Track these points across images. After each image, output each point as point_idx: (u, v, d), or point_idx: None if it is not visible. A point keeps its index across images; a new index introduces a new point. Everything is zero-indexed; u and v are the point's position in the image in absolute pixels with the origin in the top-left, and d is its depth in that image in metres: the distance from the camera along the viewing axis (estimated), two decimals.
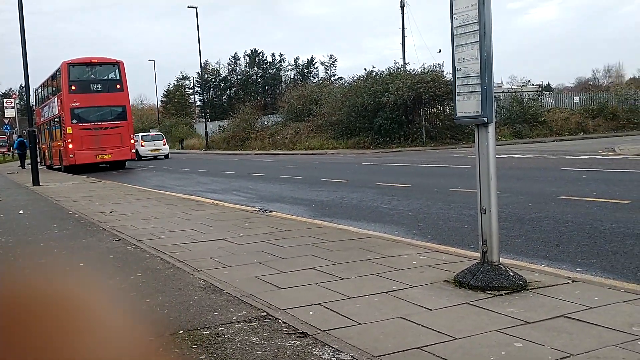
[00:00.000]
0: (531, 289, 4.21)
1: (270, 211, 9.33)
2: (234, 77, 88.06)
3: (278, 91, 78.27)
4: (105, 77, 27.07)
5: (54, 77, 28.41)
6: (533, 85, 38.56)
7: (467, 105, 4.32)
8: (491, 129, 4.28)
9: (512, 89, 37.07)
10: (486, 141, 4.28)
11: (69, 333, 0.55)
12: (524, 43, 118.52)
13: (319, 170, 18.37)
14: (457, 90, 4.41)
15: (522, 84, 37.37)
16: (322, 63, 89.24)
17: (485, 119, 4.21)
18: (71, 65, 26.16)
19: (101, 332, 0.56)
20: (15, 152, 36.67)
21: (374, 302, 4.09)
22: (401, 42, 38.52)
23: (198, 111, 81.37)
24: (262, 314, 3.96)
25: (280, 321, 3.78)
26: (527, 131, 30.99)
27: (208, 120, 54.20)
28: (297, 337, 3.48)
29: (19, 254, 6.63)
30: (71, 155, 25.51)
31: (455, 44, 4.38)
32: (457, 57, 4.38)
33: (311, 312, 3.92)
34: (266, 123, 43.19)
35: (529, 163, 16.09)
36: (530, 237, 6.51)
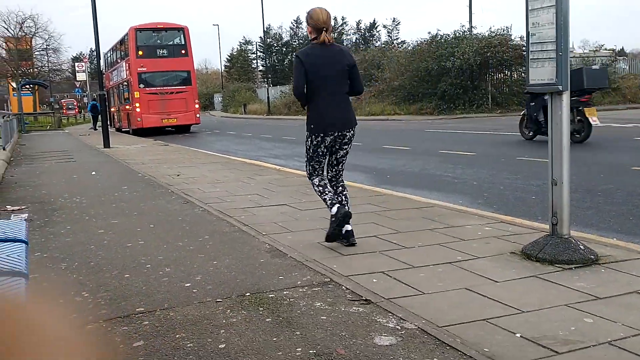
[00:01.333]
0: (602, 263, 4.07)
1: None
2: (296, 41, 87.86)
3: None
4: (171, 43, 27.58)
5: (122, 42, 29.17)
6: (606, 49, 36.62)
7: (540, 72, 4.15)
8: (565, 97, 4.11)
9: (584, 54, 35.37)
10: (560, 110, 4.12)
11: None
12: (596, 4, 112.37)
13: (380, 137, 18.23)
14: (530, 57, 4.24)
15: (594, 49, 35.58)
16: (385, 26, 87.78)
17: (560, 87, 4.03)
18: (138, 30, 26.74)
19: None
20: (89, 114, 38.12)
21: (438, 272, 4.06)
22: (468, 4, 37.28)
23: (260, 76, 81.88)
24: (325, 279, 4.01)
25: (343, 287, 3.82)
26: (599, 98, 29.58)
27: (270, 86, 54.49)
28: (361, 304, 3.51)
29: (92, 214, 6.93)
30: (139, 119, 26.29)
31: (529, 8, 4.19)
32: (531, 22, 4.19)
33: (374, 280, 3.93)
34: None
35: (600, 132, 15.42)
36: (601, 209, 6.28)
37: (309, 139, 4.88)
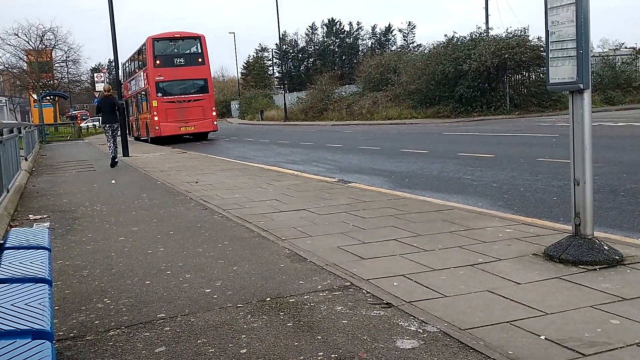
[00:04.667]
0: (628, 264, 4.00)
1: (350, 182, 9.34)
2: (311, 47, 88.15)
3: (355, 61, 77.71)
4: (188, 51, 27.82)
5: (139, 52, 29.48)
6: (627, 48, 36.14)
7: (561, 71, 4.10)
8: (587, 95, 4.05)
9: (604, 52, 34.96)
10: (581, 109, 4.06)
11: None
12: (616, 2, 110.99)
13: (397, 141, 18.17)
14: (550, 56, 4.19)
15: (614, 47, 35.14)
16: (400, 30, 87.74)
17: (581, 85, 3.98)
18: (155, 40, 27.03)
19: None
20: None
21: (460, 274, 4.02)
22: (484, 5, 37.08)
23: (276, 82, 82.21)
24: (346, 283, 3.99)
25: (364, 291, 3.79)
26: (620, 97, 29.24)
27: (286, 92, 54.67)
28: (382, 307, 3.48)
29: (113, 222, 6.99)
30: (157, 128, 26.51)
31: (548, 6, 4.14)
32: (550, 20, 4.14)
33: (395, 283, 3.90)
34: (343, 93, 43.02)
35: (622, 131, 15.21)
36: (625, 209, 6.18)
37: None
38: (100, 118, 17.27)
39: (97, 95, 45.93)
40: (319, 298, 3.72)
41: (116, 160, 15.24)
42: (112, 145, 15.33)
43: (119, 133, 16.26)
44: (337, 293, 3.80)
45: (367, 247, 4.94)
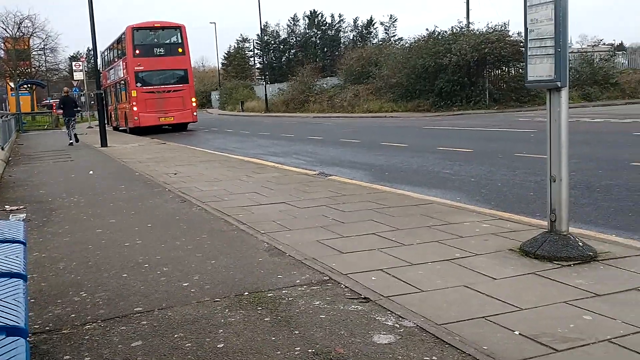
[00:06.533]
0: (601, 260, 4.07)
1: (330, 175, 9.36)
2: (293, 39, 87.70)
3: (337, 53, 77.51)
4: (168, 41, 27.54)
5: (119, 41, 29.10)
6: (605, 44, 36.63)
7: (539, 69, 4.14)
8: (564, 93, 4.10)
9: (582, 48, 35.40)
10: (558, 106, 4.10)
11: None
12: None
13: (378, 134, 18.23)
14: (529, 53, 4.22)
15: (593, 44, 35.68)
16: (382, 23, 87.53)
17: (559, 84, 4.02)
18: (135, 29, 26.70)
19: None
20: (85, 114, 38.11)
21: (437, 269, 4.06)
22: (465, 0, 37.24)
23: (258, 74, 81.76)
24: (324, 278, 4.01)
25: (342, 286, 3.81)
26: (597, 93, 29.64)
27: (268, 83, 54.41)
28: (360, 302, 3.51)
29: (90, 214, 6.92)
30: (136, 118, 26.25)
31: (528, 4, 4.18)
32: (529, 18, 4.18)
33: (373, 278, 3.93)
34: (325, 86, 42.93)
35: (599, 127, 15.43)
36: (600, 205, 6.28)
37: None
38: (63, 112, 22.72)
39: (75, 84, 45.37)
40: (297, 293, 3.73)
41: (71, 142, 20.39)
42: (70, 131, 20.90)
43: (74, 124, 21.42)
44: (315, 287, 3.81)
45: (346, 241, 4.96)
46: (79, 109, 25.45)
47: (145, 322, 3.36)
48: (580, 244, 4.16)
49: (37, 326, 3.39)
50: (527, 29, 4.21)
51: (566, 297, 3.40)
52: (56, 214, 7.08)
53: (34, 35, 47.42)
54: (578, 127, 15.21)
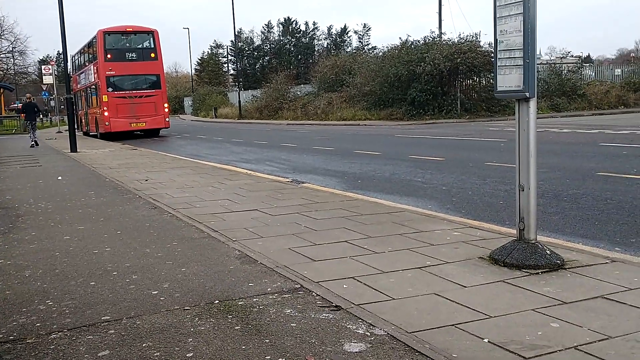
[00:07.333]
0: (568, 268, 4.14)
1: (303, 182, 9.35)
2: (267, 46, 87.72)
3: (311, 61, 77.78)
4: (140, 46, 27.27)
5: (90, 44, 28.73)
6: (573, 56, 37.42)
7: (508, 79, 4.21)
8: (533, 104, 4.17)
9: (551, 60, 36.12)
10: (527, 116, 4.17)
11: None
12: (563, 12, 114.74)
13: (351, 142, 18.29)
14: (498, 64, 4.29)
15: (561, 55, 36.37)
16: (356, 32, 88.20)
17: (527, 94, 4.09)
18: (107, 33, 26.39)
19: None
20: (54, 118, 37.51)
21: (408, 277, 4.08)
22: (437, 10, 37.73)
23: (231, 80, 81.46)
24: (295, 286, 3.99)
25: (314, 294, 3.80)
26: (565, 104, 30.25)
27: (241, 90, 54.25)
28: (331, 310, 3.50)
29: (58, 220, 6.79)
30: (107, 123, 25.91)
31: (497, 16, 4.25)
32: (499, 29, 4.25)
33: (344, 286, 3.93)
34: (299, 93, 43.02)
35: (567, 138, 15.73)
36: (567, 214, 6.39)
37: None
38: (24, 117, 24.43)
39: (44, 88, 44.60)
40: (269, 301, 3.71)
41: (32, 144, 22.17)
42: (32, 135, 22.66)
43: (35, 127, 23.15)
44: (286, 296, 3.80)
45: (318, 248, 4.95)
46: (40, 115, 27.96)
47: (112, 331, 3.30)
48: (548, 252, 4.22)
49: (1, 335, 3.31)
50: (496, 40, 4.28)
51: (534, 305, 3.45)
52: (23, 220, 6.93)
53: (2, 37, 46.70)
54: (547, 137, 15.50)
